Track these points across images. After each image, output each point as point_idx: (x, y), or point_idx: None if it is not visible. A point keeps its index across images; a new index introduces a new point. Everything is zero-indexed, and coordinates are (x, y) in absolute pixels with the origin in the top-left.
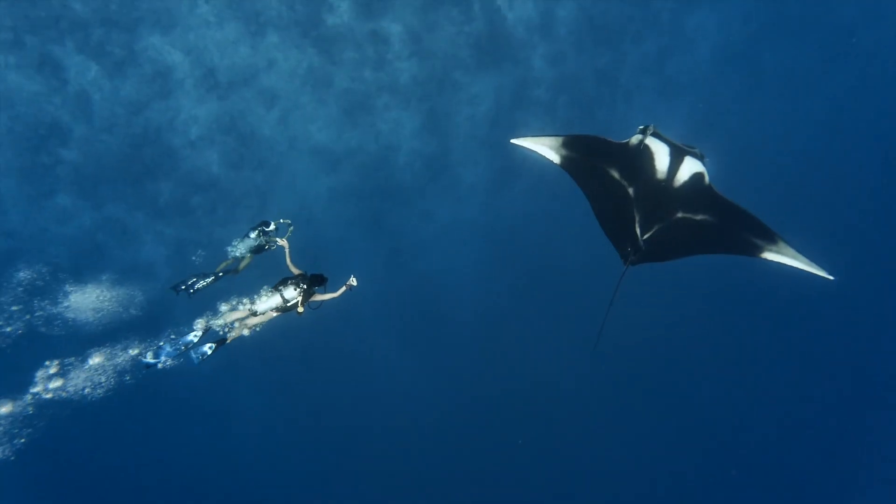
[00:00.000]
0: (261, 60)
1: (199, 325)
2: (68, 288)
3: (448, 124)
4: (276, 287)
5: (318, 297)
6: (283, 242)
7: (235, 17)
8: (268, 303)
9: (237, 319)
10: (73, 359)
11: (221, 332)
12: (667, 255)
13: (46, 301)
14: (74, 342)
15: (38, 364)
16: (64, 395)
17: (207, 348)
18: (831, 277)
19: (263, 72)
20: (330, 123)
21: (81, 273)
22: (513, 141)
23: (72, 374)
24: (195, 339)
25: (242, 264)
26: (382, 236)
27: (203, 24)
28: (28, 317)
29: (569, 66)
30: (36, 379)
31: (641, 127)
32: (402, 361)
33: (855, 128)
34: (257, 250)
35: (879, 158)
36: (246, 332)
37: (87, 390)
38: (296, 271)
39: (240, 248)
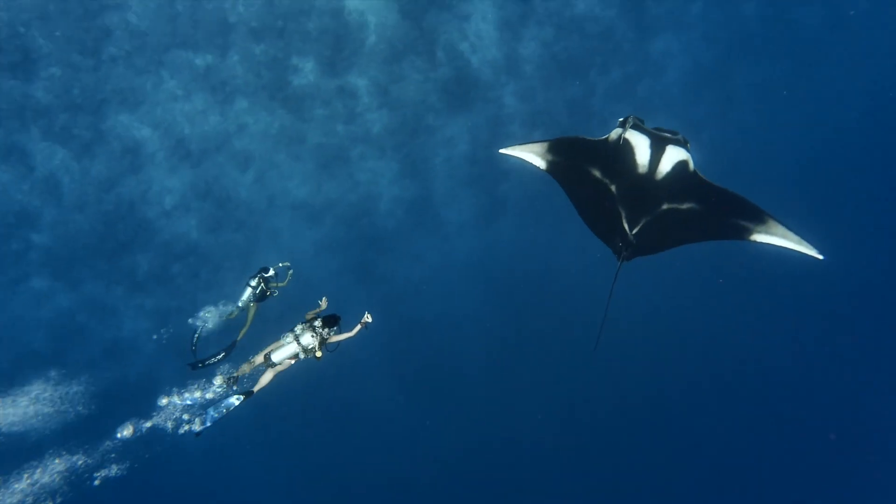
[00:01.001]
0: (231, 126)
1: (219, 381)
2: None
3: (426, 168)
4: (294, 334)
5: (335, 339)
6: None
7: (202, 89)
8: (285, 351)
9: (258, 367)
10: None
11: (239, 387)
12: (658, 247)
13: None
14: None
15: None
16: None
17: (235, 399)
18: (821, 257)
19: (235, 136)
20: (307, 179)
21: (64, 354)
22: (501, 151)
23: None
24: (215, 397)
25: (250, 315)
26: (373, 284)
27: (170, 99)
28: None
29: (539, 100)
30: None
31: (621, 119)
32: (406, 412)
33: (830, 134)
34: (261, 298)
35: (856, 163)
36: (268, 377)
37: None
38: (312, 315)
39: (242, 299)
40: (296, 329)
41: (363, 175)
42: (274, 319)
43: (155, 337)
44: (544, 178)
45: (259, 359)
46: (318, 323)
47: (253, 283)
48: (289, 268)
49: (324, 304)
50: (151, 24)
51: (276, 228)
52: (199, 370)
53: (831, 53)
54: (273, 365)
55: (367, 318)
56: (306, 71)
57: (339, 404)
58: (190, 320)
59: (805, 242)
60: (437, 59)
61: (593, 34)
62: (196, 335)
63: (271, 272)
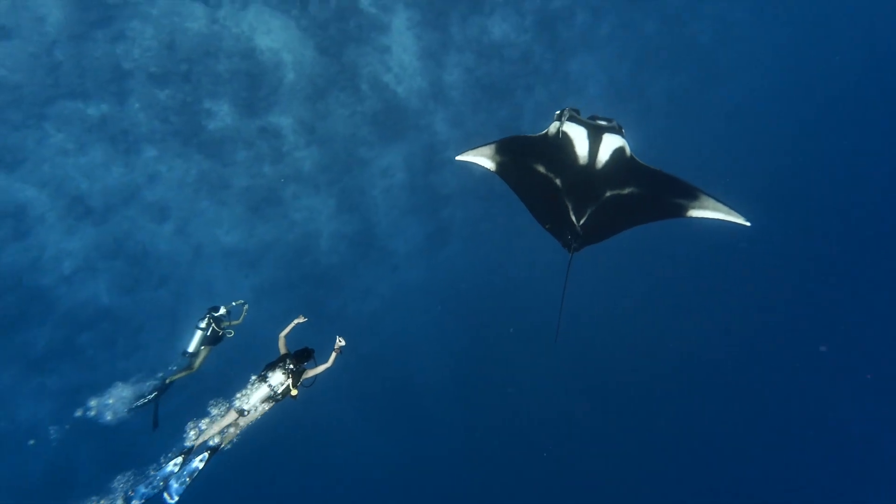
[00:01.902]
0: (139, 177)
1: (176, 456)
2: None
3: (365, 200)
4: (261, 376)
5: (311, 373)
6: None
7: (99, 140)
8: (255, 397)
9: (226, 427)
10: None
11: (210, 443)
12: (605, 234)
13: None
14: None
15: None
16: None
17: (198, 462)
18: (748, 224)
19: (146, 187)
20: (237, 224)
21: None
22: (457, 158)
23: None
24: (175, 469)
25: (198, 361)
26: (324, 323)
27: (59, 154)
28: None
29: (470, 124)
30: None
31: (558, 112)
32: (376, 447)
33: (738, 137)
34: (213, 341)
35: (767, 162)
36: (233, 432)
37: None
38: (284, 350)
39: (192, 344)
40: (265, 372)
41: (299, 214)
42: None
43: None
44: (485, 197)
45: (228, 417)
46: (288, 361)
47: (202, 324)
48: (243, 304)
49: (341, 342)
50: (26, 76)
51: (207, 279)
52: (156, 425)
53: (721, 62)
54: (244, 413)
55: (340, 342)
56: (222, 114)
57: (304, 446)
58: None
59: (735, 212)
60: (361, 92)
61: (513, 58)
62: (147, 398)
63: (222, 310)
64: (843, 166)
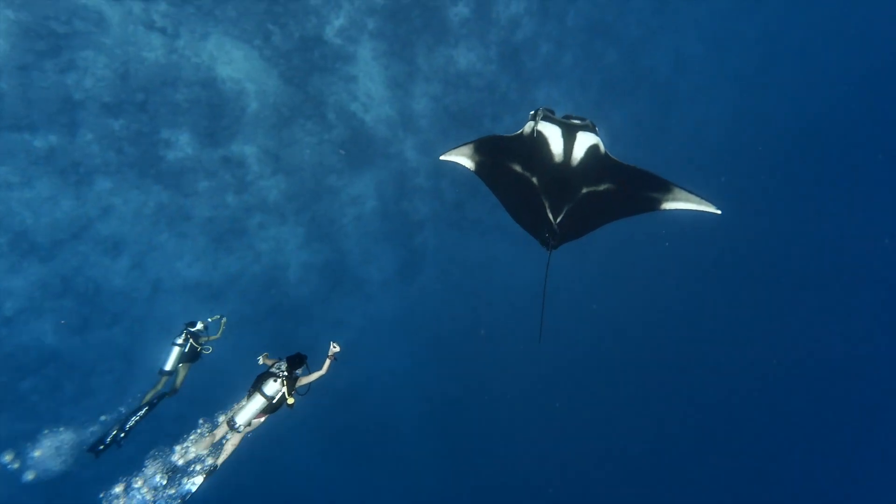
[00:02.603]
0: (92, 210)
1: (163, 469)
2: None
3: (335, 229)
4: (255, 387)
5: (304, 381)
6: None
7: (46, 174)
8: (249, 409)
9: (220, 440)
10: None
11: (202, 466)
12: (582, 230)
13: None
14: None
15: None
16: None
17: (191, 485)
18: (719, 212)
19: (98, 221)
20: (199, 256)
21: None
22: (441, 157)
23: None
24: (163, 482)
25: (178, 380)
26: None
27: (3, 187)
28: None
29: (440, 151)
30: None
31: (532, 112)
32: (346, 488)
33: (697, 162)
34: (191, 358)
35: (725, 186)
36: (232, 446)
37: None
38: (269, 362)
39: (169, 362)
40: (259, 383)
41: (265, 244)
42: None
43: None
44: (457, 223)
45: (219, 431)
46: (282, 367)
47: (179, 340)
48: (220, 318)
49: (335, 348)
50: None
51: (166, 315)
52: (119, 444)
53: (679, 90)
54: (239, 429)
55: (335, 348)
56: (181, 143)
57: (271, 479)
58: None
59: (706, 201)
60: (328, 120)
61: (479, 87)
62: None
63: (199, 325)
64: (796, 190)
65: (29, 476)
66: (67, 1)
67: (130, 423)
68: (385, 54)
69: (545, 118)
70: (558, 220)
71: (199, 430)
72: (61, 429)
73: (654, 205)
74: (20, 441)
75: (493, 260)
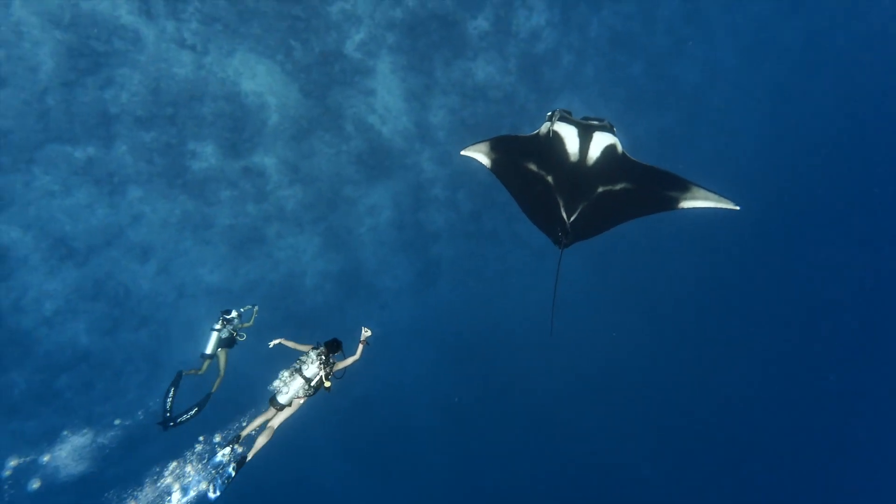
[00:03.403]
0: (124, 218)
1: (225, 446)
2: None
3: (351, 239)
4: (295, 370)
5: (340, 365)
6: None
7: (85, 183)
8: (291, 390)
9: (264, 421)
10: None
11: (239, 451)
12: (597, 229)
13: None
14: None
15: None
16: None
17: (232, 469)
18: (737, 208)
19: (129, 228)
20: (221, 263)
21: None
22: (462, 152)
23: None
24: (224, 458)
25: (221, 364)
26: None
27: (45, 196)
28: None
29: (457, 163)
30: None
31: (549, 113)
32: (363, 494)
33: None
34: (228, 343)
35: (754, 202)
36: (266, 436)
37: None
38: (305, 348)
39: (210, 346)
40: (296, 364)
41: (282, 253)
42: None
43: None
44: (473, 235)
45: (266, 415)
46: (321, 351)
47: (217, 326)
48: (253, 307)
49: (367, 333)
50: (16, 122)
51: (190, 319)
52: (171, 428)
53: (709, 100)
54: (282, 407)
55: (366, 332)
56: (206, 154)
57: (291, 485)
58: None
59: (724, 198)
60: (346, 132)
61: (497, 99)
62: (171, 393)
63: (234, 314)
64: (830, 206)
65: (34, 485)
66: (108, 21)
67: (183, 419)
68: (403, 68)
69: (562, 119)
70: (572, 218)
71: (253, 418)
72: (84, 430)
73: (671, 204)
74: (51, 437)
75: (508, 272)
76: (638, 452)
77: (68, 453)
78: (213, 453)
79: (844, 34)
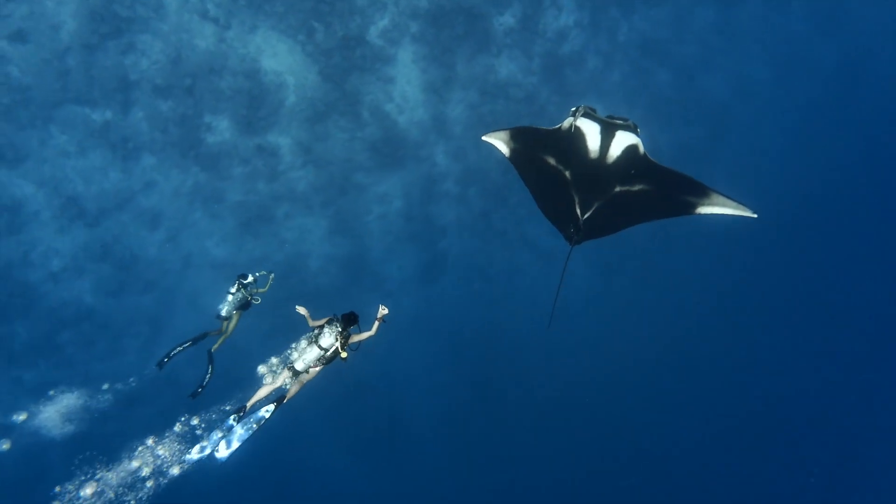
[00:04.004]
0: (136, 184)
1: (232, 413)
2: None
3: (359, 225)
4: (311, 339)
5: (356, 338)
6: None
7: (100, 146)
8: (307, 358)
9: (280, 386)
10: None
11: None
12: (610, 229)
13: None
14: None
15: None
16: None
17: (264, 412)
18: (755, 215)
19: (141, 194)
20: (227, 237)
21: None
22: (483, 137)
23: None
24: (235, 423)
25: (231, 325)
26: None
27: (61, 155)
28: None
29: (471, 159)
30: None
31: (573, 109)
32: (359, 478)
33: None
34: (243, 306)
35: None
36: (296, 388)
37: None
38: (321, 322)
39: (224, 308)
40: (313, 333)
41: (290, 233)
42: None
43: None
44: (482, 232)
45: (281, 378)
46: (336, 323)
47: (232, 289)
48: (269, 274)
49: (384, 310)
50: (36, 79)
51: (194, 289)
52: (198, 397)
53: (736, 114)
54: (298, 373)
55: (383, 310)
56: (221, 129)
57: (288, 472)
58: None
59: (743, 206)
60: (362, 118)
61: (518, 98)
62: (185, 345)
63: (250, 278)
64: (855, 226)
65: (3, 446)
66: None
67: (205, 384)
68: (425, 58)
69: (586, 114)
70: (586, 216)
71: (266, 381)
72: (74, 392)
73: (689, 209)
74: (53, 388)
75: (515, 271)
76: (632, 458)
77: (58, 411)
78: (225, 419)
79: (880, 60)
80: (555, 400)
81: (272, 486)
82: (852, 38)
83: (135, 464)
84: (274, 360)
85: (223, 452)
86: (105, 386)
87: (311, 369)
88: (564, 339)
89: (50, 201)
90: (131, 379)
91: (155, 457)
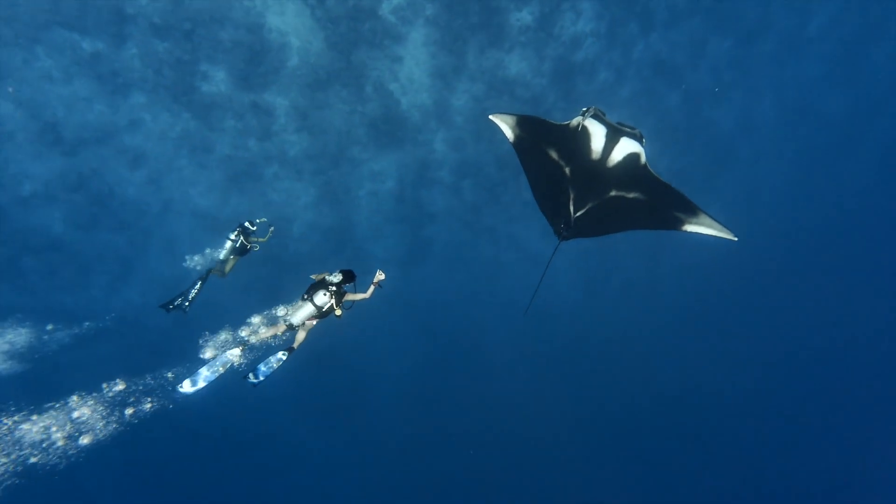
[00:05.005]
0: (122, 119)
1: (234, 349)
2: None
3: (349, 199)
4: (306, 296)
5: (350, 297)
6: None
7: (86, 75)
8: (301, 313)
9: (274, 335)
10: None
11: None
12: (599, 230)
13: None
14: None
15: None
16: None
17: (282, 355)
18: (736, 238)
19: (125, 131)
20: (213, 188)
21: None
22: (490, 116)
23: None
24: (233, 359)
25: (228, 267)
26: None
27: (44, 79)
28: None
29: (470, 151)
30: None
31: (584, 109)
32: (314, 443)
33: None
34: (241, 252)
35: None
36: (302, 335)
37: None
38: (319, 276)
39: (223, 252)
40: (309, 292)
41: (276, 195)
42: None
43: None
44: (472, 225)
45: (277, 329)
46: (331, 278)
47: (232, 235)
48: (270, 227)
49: (381, 276)
50: None
51: (171, 235)
52: (172, 310)
53: (739, 149)
54: (294, 327)
55: (380, 275)
56: (217, 80)
57: (249, 435)
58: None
59: (726, 229)
60: (365, 93)
61: (524, 98)
62: (197, 286)
63: (252, 227)
64: (850, 265)
65: None
66: None
67: (192, 294)
68: (436, 43)
69: (595, 116)
70: (578, 214)
71: (260, 331)
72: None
73: (676, 224)
74: (12, 313)
75: (498, 268)
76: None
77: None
78: (224, 351)
79: (886, 115)
80: (516, 392)
81: (229, 445)
82: (863, 91)
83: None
84: (261, 317)
85: (187, 388)
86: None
87: (307, 322)
88: (536, 338)
89: (27, 124)
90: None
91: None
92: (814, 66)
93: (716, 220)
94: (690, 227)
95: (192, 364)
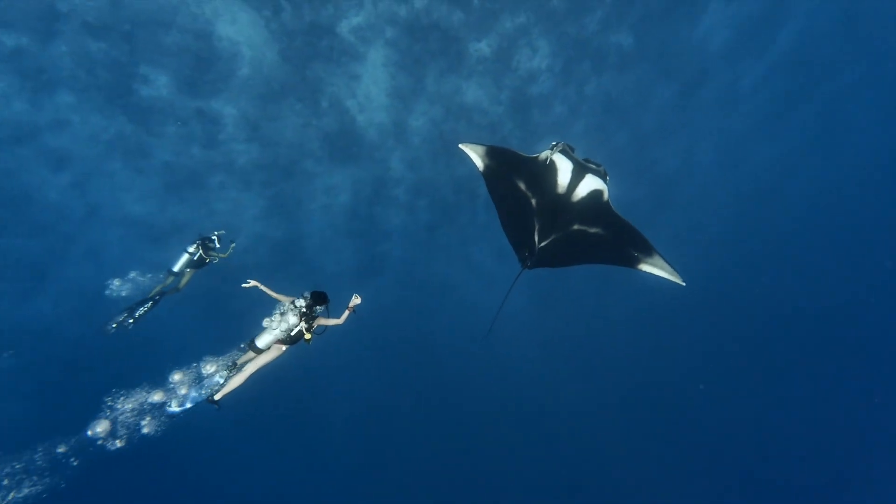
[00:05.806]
0: (44, 119)
1: (209, 369)
2: None
3: (300, 211)
4: (280, 315)
5: (323, 322)
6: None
7: (6, 71)
8: (269, 336)
9: (245, 362)
10: None
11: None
12: (561, 262)
13: None
14: None
15: None
16: None
17: (219, 377)
18: (684, 283)
19: (49, 131)
20: (149, 195)
21: None
22: (460, 145)
23: None
24: (220, 380)
25: (183, 281)
26: (224, 320)
27: None
28: None
29: (426, 171)
30: None
31: (553, 143)
32: (259, 461)
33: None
34: (198, 265)
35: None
36: (242, 377)
37: None
38: (286, 299)
39: (178, 265)
40: (280, 309)
41: (222, 204)
42: None
43: None
44: (426, 244)
45: (246, 356)
46: (302, 302)
47: (191, 249)
48: (232, 242)
49: (357, 300)
50: None
51: (98, 243)
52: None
53: (683, 189)
54: (259, 351)
55: (356, 299)
56: (159, 84)
57: (194, 459)
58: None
59: (677, 273)
60: (320, 107)
61: (481, 124)
62: (147, 306)
63: (215, 241)
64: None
65: None
66: None
67: (139, 312)
68: (395, 64)
69: (563, 151)
70: (542, 244)
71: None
72: None
73: (632, 263)
74: None
75: (452, 287)
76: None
77: None
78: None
79: (813, 169)
80: (467, 410)
81: (172, 460)
82: (794, 146)
83: None
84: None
85: (175, 408)
86: None
87: (273, 347)
88: (488, 357)
89: None
90: None
91: None
92: (742, 119)
93: (668, 262)
94: (645, 267)
95: (131, 378)
